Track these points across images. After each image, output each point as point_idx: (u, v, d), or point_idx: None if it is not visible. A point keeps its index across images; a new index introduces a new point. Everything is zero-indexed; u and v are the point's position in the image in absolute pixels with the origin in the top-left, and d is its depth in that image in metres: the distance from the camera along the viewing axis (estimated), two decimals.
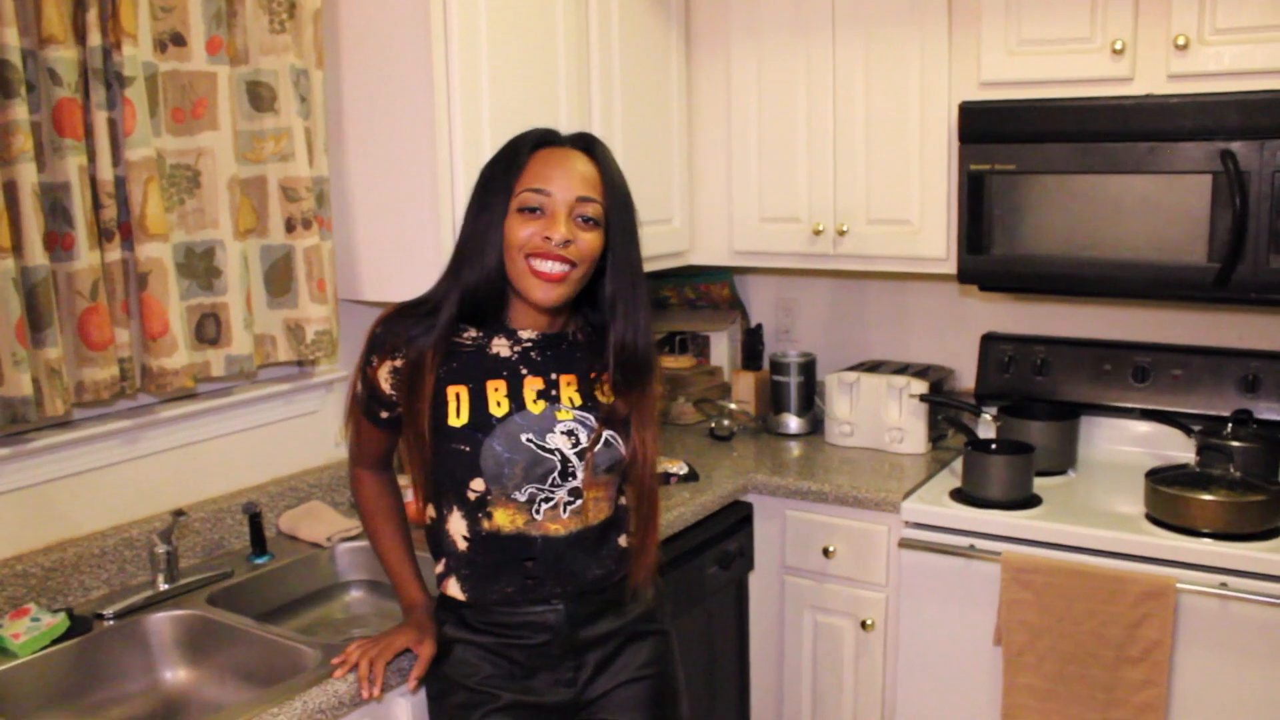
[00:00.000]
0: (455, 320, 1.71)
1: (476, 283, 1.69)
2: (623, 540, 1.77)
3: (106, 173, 1.92)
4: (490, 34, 2.30)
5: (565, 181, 1.65)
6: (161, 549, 2.02)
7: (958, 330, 3.13)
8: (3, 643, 1.82)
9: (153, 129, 2.00)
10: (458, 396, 1.68)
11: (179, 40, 2.05)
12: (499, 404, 1.68)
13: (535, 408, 1.69)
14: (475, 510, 1.68)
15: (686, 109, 3.01)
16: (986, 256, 2.63)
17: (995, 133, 2.56)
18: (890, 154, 2.76)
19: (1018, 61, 2.56)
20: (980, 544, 2.44)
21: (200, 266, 2.12)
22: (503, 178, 1.70)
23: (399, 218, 2.32)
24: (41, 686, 1.82)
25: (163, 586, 2.03)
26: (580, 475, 1.68)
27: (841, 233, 2.84)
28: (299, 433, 2.45)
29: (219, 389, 2.28)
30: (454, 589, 1.73)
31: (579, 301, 1.76)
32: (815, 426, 3.16)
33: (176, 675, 1.96)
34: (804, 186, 2.89)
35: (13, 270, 1.77)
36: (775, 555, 2.79)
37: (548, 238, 1.63)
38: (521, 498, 1.66)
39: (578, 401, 1.71)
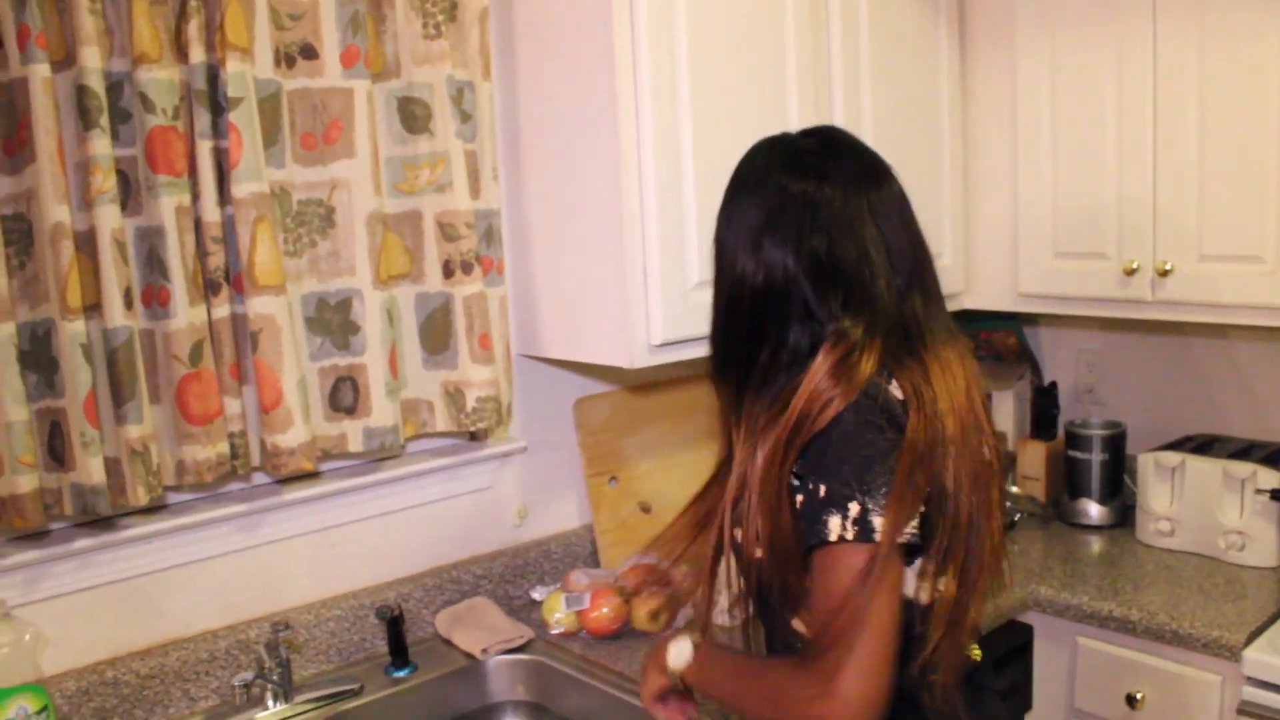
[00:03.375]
0: None
1: None
2: None
3: (212, 214, 1.60)
4: (690, 29, 1.82)
5: None
6: (260, 668, 1.68)
7: None
8: None
9: (275, 158, 1.67)
10: None
11: (309, 53, 1.71)
12: None
13: None
14: None
15: (961, 121, 2.42)
16: None
17: None
18: (1234, 172, 2.05)
19: None
20: None
21: (335, 321, 1.78)
22: None
23: (584, 258, 1.90)
24: None
25: (273, 707, 1.69)
26: None
27: (1163, 272, 2.16)
28: (465, 514, 2.07)
29: (361, 465, 1.93)
30: None
31: None
32: (1123, 516, 2.48)
33: None
34: (1113, 214, 2.23)
35: (83, 334, 1.47)
36: (1061, 694, 2.15)
37: None
38: None
39: None
